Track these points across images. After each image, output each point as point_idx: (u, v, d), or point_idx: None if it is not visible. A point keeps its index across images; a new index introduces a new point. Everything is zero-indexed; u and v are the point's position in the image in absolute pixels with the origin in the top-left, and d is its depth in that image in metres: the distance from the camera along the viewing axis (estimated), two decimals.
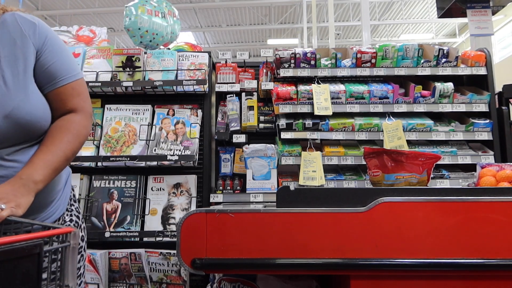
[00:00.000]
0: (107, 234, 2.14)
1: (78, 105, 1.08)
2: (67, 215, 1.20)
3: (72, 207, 1.23)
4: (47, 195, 1.08)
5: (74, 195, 1.27)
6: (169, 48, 2.58)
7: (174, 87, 2.31)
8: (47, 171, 0.96)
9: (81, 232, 1.23)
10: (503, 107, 2.44)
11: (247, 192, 2.30)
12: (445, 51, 2.44)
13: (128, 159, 2.18)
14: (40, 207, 1.07)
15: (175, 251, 1.24)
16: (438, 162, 2.36)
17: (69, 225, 1.20)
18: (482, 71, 2.43)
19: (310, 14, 9.31)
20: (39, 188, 0.94)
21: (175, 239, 1.24)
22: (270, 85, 2.41)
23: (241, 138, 2.37)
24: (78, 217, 1.24)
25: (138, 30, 2.37)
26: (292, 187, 1.29)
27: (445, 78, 2.49)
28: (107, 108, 2.38)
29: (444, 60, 2.44)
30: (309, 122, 2.35)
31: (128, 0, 2.59)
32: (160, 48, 2.54)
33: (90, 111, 1.13)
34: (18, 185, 0.90)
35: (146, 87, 2.32)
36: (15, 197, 0.87)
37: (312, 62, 2.42)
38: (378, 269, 1.19)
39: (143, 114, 2.37)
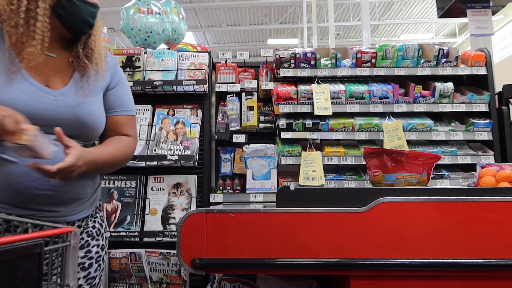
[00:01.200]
0: (107, 234, 2.14)
1: (132, 133, 1.32)
2: (90, 220, 1.24)
3: (97, 215, 1.28)
4: (78, 191, 1.16)
5: (101, 205, 1.35)
6: (169, 48, 2.58)
7: (174, 87, 2.32)
8: (94, 161, 1.12)
9: (102, 241, 1.28)
10: (503, 107, 2.44)
11: (247, 192, 2.30)
12: (445, 51, 2.44)
13: None
14: (68, 199, 1.13)
15: (175, 251, 1.24)
16: (438, 162, 2.36)
17: (91, 231, 1.24)
18: (482, 71, 2.43)
19: (310, 14, 9.31)
20: (82, 170, 1.07)
21: (175, 239, 1.24)
22: (270, 85, 2.41)
23: (241, 138, 2.37)
24: (101, 225, 1.29)
25: (131, 30, 2.40)
26: (292, 187, 1.29)
27: (445, 78, 2.49)
28: None
29: (444, 60, 2.44)
30: (309, 122, 2.35)
31: (128, 1, 2.59)
32: (165, 47, 2.54)
33: (137, 141, 1.39)
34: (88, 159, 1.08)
35: (146, 87, 2.32)
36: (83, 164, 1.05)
37: (312, 62, 2.42)
38: (378, 269, 1.19)
39: (143, 114, 2.37)
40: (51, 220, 1.07)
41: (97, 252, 1.24)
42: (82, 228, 1.20)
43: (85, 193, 1.20)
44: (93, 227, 1.25)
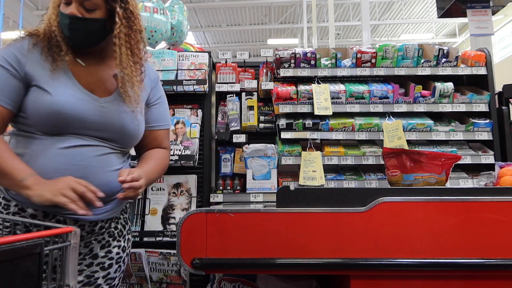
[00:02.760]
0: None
1: (167, 145, 1.40)
2: (113, 221, 1.25)
3: (121, 216, 1.30)
4: (111, 192, 1.17)
5: (127, 207, 1.38)
6: (169, 49, 2.58)
7: (174, 87, 2.31)
8: (147, 183, 1.19)
9: (124, 242, 1.28)
10: (503, 107, 2.44)
11: (247, 192, 2.30)
12: (445, 51, 2.44)
13: None
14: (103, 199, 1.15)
15: (175, 251, 1.24)
16: None
17: (112, 231, 1.24)
18: (482, 71, 2.43)
19: (310, 14, 9.31)
20: (143, 189, 1.15)
21: (175, 239, 1.24)
22: (270, 85, 2.41)
23: (241, 138, 2.37)
24: (124, 226, 1.30)
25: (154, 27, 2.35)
26: (292, 187, 1.29)
27: (445, 78, 2.49)
28: None
29: (444, 60, 2.44)
30: (309, 122, 2.35)
31: None
32: (164, 46, 2.53)
33: (170, 152, 1.45)
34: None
35: None
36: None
37: (312, 62, 2.42)
38: (378, 269, 1.19)
39: None
40: (74, 218, 1.10)
41: (117, 253, 1.24)
42: (104, 229, 1.21)
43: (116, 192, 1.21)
44: (115, 227, 1.25)
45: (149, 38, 2.42)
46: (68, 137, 1.11)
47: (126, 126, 1.19)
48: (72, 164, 1.09)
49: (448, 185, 2.28)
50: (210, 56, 2.46)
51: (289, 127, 2.36)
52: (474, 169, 2.44)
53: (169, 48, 2.58)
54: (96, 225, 1.18)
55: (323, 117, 2.36)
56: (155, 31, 2.39)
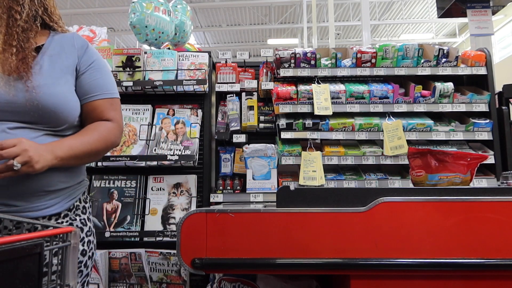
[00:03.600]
0: (107, 234, 2.14)
1: (113, 117, 1.23)
2: (66, 221, 1.14)
3: (77, 217, 1.18)
4: (41, 183, 1.08)
5: (87, 207, 1.25)
6: (169, 49, 2.58)
7: (174, 87, 2.31)
8: (69, 153, 1.07)
9: (82, 246, 1.18)
10: (503, 107, 2.44)
11: (247, 192, 2.30)
12: (445, 51, 2.44)
13: (128, 159, 2.18)
14: (27, 192, 1.06)
15: (175, 251, 1.24)
16: None
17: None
18: (482, 71, 2.43)
19: (310, 14, 9.32)
20: (54, 163, 1.03)
21: (175, 239, 1.24)
22: (270, 85, 2.41)
23: (241, 138, 2.37)
24: (81, 229, 1.18)
25: (145, 27, 2.34)
26: (292, 187, 1.29)
27: (445, 78, 2.49)
28: None
29: (444, 60, 2.44)
30: (309, 122, 2.35)
31: (128, 1, 2.58)
32: (174, 47, 2.53)
33: (122, 125, 1.28)
34: (42, 148, 1.01)
35: (146, 87, 2.32)
36: (36, 156, 0.97)
37: (312, 62, 2.42)
38: (378, 269, 1.19)
39: (143, 114, 2.37)
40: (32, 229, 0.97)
41: (78, 244, 1.13)
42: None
43: (51, 186, 1.10)
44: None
45: (155, 39, 2.42)
46: None
47: (41, 102, 1.06)
48: None
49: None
50: (210, 56, 2.46)
51: (289, 127, 2.36)
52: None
53: (169, 48, 2.58)
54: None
55: (323, 117, 2.36)
56: (162, 33, 2.39)
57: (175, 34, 2.54)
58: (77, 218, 1.18)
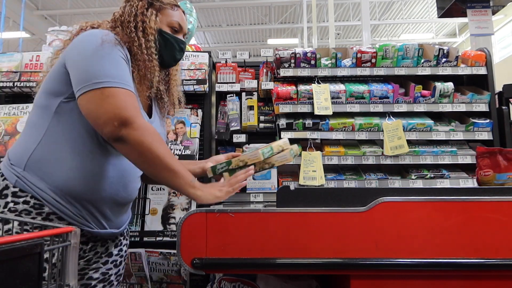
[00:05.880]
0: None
1: None
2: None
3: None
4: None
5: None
6: None
7: None
8: None
9: (127, 240, 1.36)
10: (503, 107, 2.44)
11: (247, 191, 2.30)
12: (445, 51, 2.44)
13: None
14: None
15: (175, 251, 1.24)
16: (438, 162, 2.37)
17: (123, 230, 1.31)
18: (482, 71, 2.43)
19: (310, 14, 9.31)
20: None
21: (175, 239, 1.24)
22: (270, 85, 2.41)
23: (241, 138, 2.37)
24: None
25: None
26: (292, 187, 1.29)
27: (445, 78, 2.49)
28: None
29: (444, 60, 2.44)
30: (309, 122, 2.35)
31: None
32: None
33: None
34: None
35: None
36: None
37: (312, 62, 2.42)
38: (378, 269, 1.19)
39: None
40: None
41: (125, 251, 1.32)
42: None
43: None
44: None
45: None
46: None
47: None
48: (118, 172, 1.16)
49: (448, 185, 2.30)
50: (210, 56, 2.46)
51: (289, 127, 2.36)
52: (474, 169, 2.44)
53: None
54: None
55: (323, 117, 2.36)
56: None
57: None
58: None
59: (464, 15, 3.66)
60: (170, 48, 1.27)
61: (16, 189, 1.04)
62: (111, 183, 1.11)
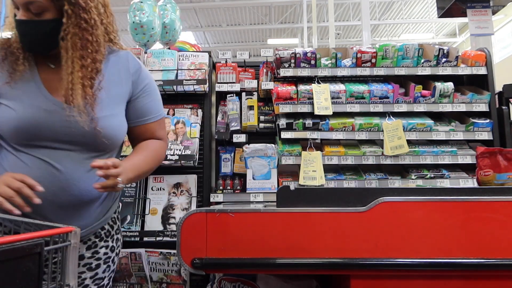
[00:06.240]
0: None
1: (163, 136, 1.33)
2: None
3: (114, 225, 1.30)
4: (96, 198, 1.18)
5: (119, 206, 1.37)
6: (169, 48, 2.58)
7: (174, 87, 2.31)
8: (136, 173, 1.16)
9: (112, 242, 1.27)
10: (503, 107, 2.44)
11: (247, 192, 2.30)
12: (445, 51, 2.44)
13: None
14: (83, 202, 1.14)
15: (175, 251, 1.24)
16: (438, 162, 2.37)
17: (99, 232, 1.23)
18: (482, 71, 2.43)
19: (310, 14, 9.30)
20: (126, 184, 1.11)
21: (175, 239, 1.25)
22: (270, 85, 2.41)
23: (241, 138, 2.37)
24: (112, 226, 1.29)
25: (151, 29, 2.36)
26: (292, 187, 1.29)
27: (445, 78, 2.49)
28: None
29: (444, 60, 2.44)
30: (309, 122, 2.35)
31: (128, 1, 2.58)
32: (161, 46, 2.55)
33: (167, 142, 1.41)
34: (128, 169, 1.11)
35: None
36: (126, 174, 1.08)
37: (312, 62, 2.42)
38: (378, 269, 1.19)
39: None
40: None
41: (105, 253, 1.23)
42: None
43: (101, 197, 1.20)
44: (102, 228, 1.24)
45: (154, 41, 2.43)
46: (43, 149, 1.08)
47: (102, 133, 1.12)
48: (49, 174, 1.06)
49: (448, 185, 2.30)
50: (210, 56, 2.46)
51: (289, 127, 2.36)
52: (474, 169, 2.44)
53: (169, 48, 2.58)
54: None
55: (323, 117, 2.36)
56: (155, 33, 2.40)
57: (166, 33, 2.55)
58: (114, 226, 1.30)
59: (464, 15, 3.65)
60: (18, 33, 1.09)
61: None
62: (43, 186, 1.00)
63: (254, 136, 2.51)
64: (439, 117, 2.52)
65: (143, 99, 1.26)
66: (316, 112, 2.30)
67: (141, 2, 2.34)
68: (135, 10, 2.33)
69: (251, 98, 2.48)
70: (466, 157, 2.33)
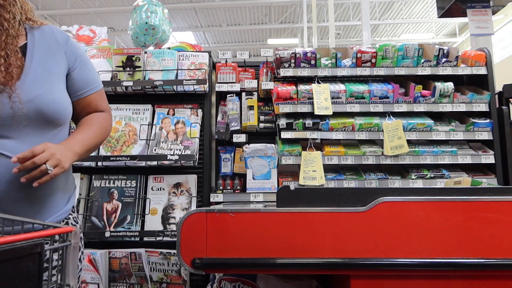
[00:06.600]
0: (107, 234, 2.14)
1: (106, 108, 1.31)
2: (58, 223, 1.15)
3: (70, 216, 1.21)
4: (60, 194, 1.14)
5: (74, 207, 1.26)
6: (169, 48, 2.58)
7: (174, 87, 2.31)
8: (84, 148, 1.13)
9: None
10: (503, 107, 2.44)
11: (247, 191, 2.30)
12: (445, 51, 2.44)
13: (128, 158, 2.18)
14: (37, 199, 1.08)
15: (175, 251, 1.24)
16: (438, 162, 2.37)
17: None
18: (482, 70, 2.43)
19: (310, 13, 9.30)
20: (75, 160, 1.09)
21: (175, 239, 1.25)
22: (270, 85, 2.41)
23: (241, 138, 2.37)
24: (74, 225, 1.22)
25: (159, 32, 2.40)
26: (292, 187, 1.29)
27: (445, 78, 2.49)
28: None
29: (444, 59, 2.44)
30: (309, 122, 2.35)
31: (128, 1, 2.58)
32: (155, 47, 2.55)
33: (111, 113, 1.36)
34: (63, 147, 1.05)
35: (146, 87, 2.32)
36: (63, 157, 1.02)
37: (312, 62, 2.42)
38: (378, 269, 1.19)
39: (143, 113, 2.37)
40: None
41: (78, 243, 1.17)
42: None
43: (66, 195, 1.17)
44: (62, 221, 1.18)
45: (156, 43, 2.46)
46: None
47: (36, 102, 1.06)
48: (3, 165, 1.00)
49: None
50: (210, 56, 2.46)
51: (289, 127, 2.36)
52: (474, 169, 2.45)
53: (169, 48, 2.58)
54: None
55: (323, 117, 2.36)
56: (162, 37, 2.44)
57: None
58: (71, 216, 1.22)
59: (464, 15, 3.65)
60: None
61: None
62: None
63: (254, 136, 2.51)
64: (439, 117, 2.52)
65: (80, 70, 1.23)
66: (316, 112, 2.30)
67: (155, 6, 2.37)
68: (149, 11, 2.35)
69: (251, 98, 2.48)
70: (466, 157, 2.33)
